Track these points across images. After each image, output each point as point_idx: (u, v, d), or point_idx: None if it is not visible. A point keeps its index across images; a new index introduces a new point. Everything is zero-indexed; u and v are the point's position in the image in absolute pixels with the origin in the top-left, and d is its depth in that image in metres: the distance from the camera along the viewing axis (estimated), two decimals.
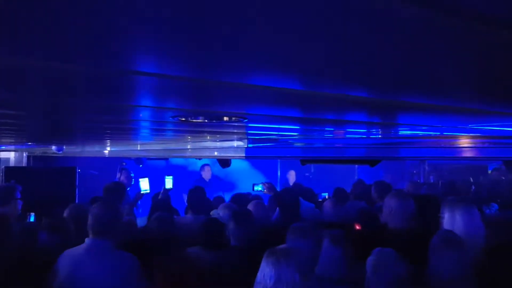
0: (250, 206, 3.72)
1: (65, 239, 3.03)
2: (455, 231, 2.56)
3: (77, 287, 2.43)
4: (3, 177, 5.87)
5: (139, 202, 5.26)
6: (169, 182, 5.09)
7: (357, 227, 3.33)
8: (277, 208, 4.05)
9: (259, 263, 2.10)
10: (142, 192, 5.26)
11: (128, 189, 5.56)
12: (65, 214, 3.35)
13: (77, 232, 3.27)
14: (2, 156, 7.57)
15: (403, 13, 0.61)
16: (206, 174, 8.06)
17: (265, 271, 1.97)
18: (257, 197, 4.65)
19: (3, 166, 6.42)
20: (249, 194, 5.00)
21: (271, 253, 2.01)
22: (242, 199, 4.44)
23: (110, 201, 3.04)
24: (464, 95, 1.38)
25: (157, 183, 5.57)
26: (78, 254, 2.52)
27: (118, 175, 5.94)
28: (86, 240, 2.56)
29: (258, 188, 4.88)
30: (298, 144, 4.27)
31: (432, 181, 7.71)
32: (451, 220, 2.68)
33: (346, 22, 0.65)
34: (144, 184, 5.29)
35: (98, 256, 2.49)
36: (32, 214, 4.07)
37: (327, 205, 3.79)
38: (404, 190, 5.03)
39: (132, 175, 5.88)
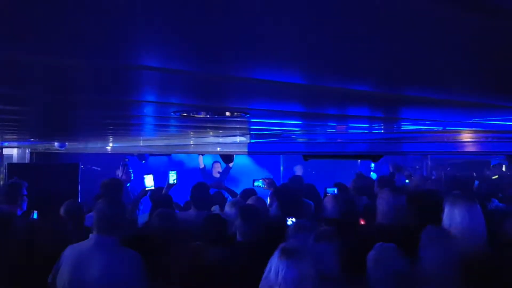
0: (250, 202, 3.72)
1: (63, 235, 3.05)
2: (454, 226, 2.55)
3: (81, 283, 2.44)
4: (6, 174, 5.90)
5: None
6: (172, 177, 5.10)
7: (362, 222, 3.33)
8: (276, 203, 4.05)
9: (263, 258, 2.09)
10: (147, 188, 5.28)
11: (128, 185, 5.59)
12: (61, 211, 3.37)
13: (74, 228, 3.29)
14: (5, 153, 7.59)
15: (405, 7, 0.61)
16: (215, 171, 8.07)
17: (277, 267, 1.94)
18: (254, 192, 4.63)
19: (6, 163, 6.45)
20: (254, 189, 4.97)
21: (285, 251, 1.99)
22: (249, 195, 4.42)
23: (115, 198, 3.05)
24: (467, 89, 1.37)
25: (160, 178, 5.58)
26: (83, 249, 2.53)
27: (117, 171, 5.96)
28: (91, 236, 2.57)
29: (258, 183, 4.88)
30: (301, 140, 4.27)
31: (434, 176, 7.70)
32: (450, 215, 2.67)
33: (347, 17, 0.65)
34: (149, 181, 5.30)
35: (103, 252, 2.50)
36: (35, 211, 4.08)
37: (328, 200, 3.79)
38: (407, 185, 5.02)
39: (131, 170, 5.90)
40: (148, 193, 5.12)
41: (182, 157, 8.67)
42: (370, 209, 3.53)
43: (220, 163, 8.01)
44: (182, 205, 5.12)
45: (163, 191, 4.93)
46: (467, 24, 0.69)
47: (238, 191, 5.20)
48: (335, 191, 5.02)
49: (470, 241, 2.50)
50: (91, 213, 3.71)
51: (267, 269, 2.00)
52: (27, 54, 0.90)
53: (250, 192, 4.33)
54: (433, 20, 0.67)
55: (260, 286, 2.00)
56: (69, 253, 2.54)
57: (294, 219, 3.41)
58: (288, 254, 1.97)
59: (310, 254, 2.26)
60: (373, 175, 7.95)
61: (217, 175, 7.98)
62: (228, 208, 3.66)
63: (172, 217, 3.35)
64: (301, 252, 1.99)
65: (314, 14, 0.64)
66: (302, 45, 0.82)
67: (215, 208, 4.16)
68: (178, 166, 7.91)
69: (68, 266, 2.47)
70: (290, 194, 4.01)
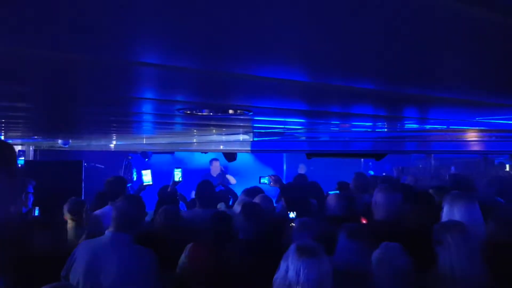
0: (256, 200, 3.71)
1: (64, 233, 3.06)
2: None
3: (96, 278, 2.46)
4: None
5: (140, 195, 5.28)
6: (178, 175, 5.10)
7: (363, 221, 3.33)
8: (282, 202, 4.05)
9: (264, 256, 2.09)
10: (144, 184, 5.28)
11: (130, 185, 5.60)
12: (64, 209, 3.38)
13: (76, 226, 3.30)
14: None
15: (409, 6, 0.61)
16: (214, 169, 8.00)
17: (297, 267, 1.92)
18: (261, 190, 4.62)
19: None
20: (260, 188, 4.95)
21: (304, 250, 1.97)
22: (255, 193, 4.40)
23: (135, 196, 3.08)
24: (471, 87, 1.37)
25: (163, 176, 5.59)
26: (99, 246, 2.55)
27: (120, 171, 5.97)
28: (106, 232, 2.60)
29: (265, 180, 4.86)
30: (304, 138, 4.26)
31: (437, 175, 7.68)
32: (450, 213, 2.67)
33: (352, 15, 0.65)
34: (147, 176, 5.31)
35: (119, 249, 2.53)
36: (37, 208, 4.09)
37: (331, 198, 3.79)
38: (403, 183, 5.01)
39: (134, 169, 5.91)
40: (151, 189, 5.13)
41: (185, 155, 8.68)
42: (370, 207, 3.52)
43: (219, 161, 7.93)
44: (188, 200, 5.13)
45: (169, 189, 4.94)
46: (471, 23, 0.68)
47: (242, 189, 5.19)
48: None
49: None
50: (96, 212, 3.73)
51: (283, 268, 1.96)
52: (32, 50, 0.90)
53: (256, 190, 4.32)
54: (437, 19, 0.66)
55: (275, 285, 1.97)
56: (84, 249, 2.56)
57: (294, 213, 3.41)
58: (308, 254, 1.95)
59: (342, 250, 2.27)
60: (371, 173, 7.96)
61: (217, 172, 7.87)
62: (236, 206, 3.66)
63: (176, 215, 3.35)
64: (319, 251, 1.98)
65: (318, 12, 0.64)
66: (306, 43, 0.82)
67: (220, 206, 4.16)
68: (181, 164, 7.91)
69: (83, 261, 2.49)
70: (296, 193, 4.01)
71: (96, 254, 2.50)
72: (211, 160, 8.00)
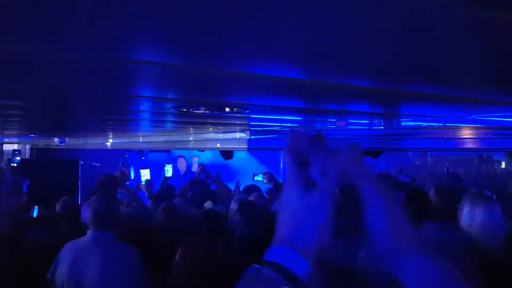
0: (251, 198, 3.71)
1: (57, 233, 3.05)
2: (474, 225, 2.54)
3: (79, 279, 2.44)
4: (7, 169, 5.90)
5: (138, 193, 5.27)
6: (168, 170, 5.11)
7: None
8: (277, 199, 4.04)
9: (259, 255, 2.08)
10: (142, 183, 5.28)
11: (128, 183, 5.61)
12: (57, 208, 3.37)
13: (69, 225, 3.29)
14: (5, 149, 7.59)
15: (405, 4, 0.61)
16: (180, 166, 7.69)
17: None
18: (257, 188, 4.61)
19: (6, 158, 6.45)
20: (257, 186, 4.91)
21: None
22: (252, 191, 4.38)
23: (109, 194, 3.06)
24: (467, 85, 1.37)
25: (161, 174, 5.60)
26: (81, 246, 2.54)
27: (117, 172, 5.97)
28: (88, 232, 2.59)
29: (258, 178, 4.85)
30: None
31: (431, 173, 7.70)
32: (471, 214, 2.65)
33: (347, 11, 0.65)
34: (145, 175, 5.32)
35: (100, 248, 2.52)
36: (36, 207, 4.08)
37: None
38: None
39: (132, 168, 5.91)
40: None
41: (182, 153, 8.66)
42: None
43: (185, 158, 7.78)
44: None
45: (160, 185, 4.94)
46: (466, 21, 0.68)
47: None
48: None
49: (490, 241, 2.50)
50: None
51: None
52: (28, 49, 0.90)
53: (253, 188, 4.31)
54: (433, 16, 0.66)
55: None
56: (67, 250, 2.54)
57: None
58: None
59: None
60: None
61: (184, 170, 7.65)
62: (232, 204, 3.65)
63: (174, 213, 3.34)
64: None
65: (313, 9, 0.64)
66: (302, 40, 0.82)
67: (207, 204, 4.15)
68: (177, 161, 7.87)
69: (66, 263, 2.48)
70: None
71: (79, 254, 2.49)
72: (177, 157, 7.79)
